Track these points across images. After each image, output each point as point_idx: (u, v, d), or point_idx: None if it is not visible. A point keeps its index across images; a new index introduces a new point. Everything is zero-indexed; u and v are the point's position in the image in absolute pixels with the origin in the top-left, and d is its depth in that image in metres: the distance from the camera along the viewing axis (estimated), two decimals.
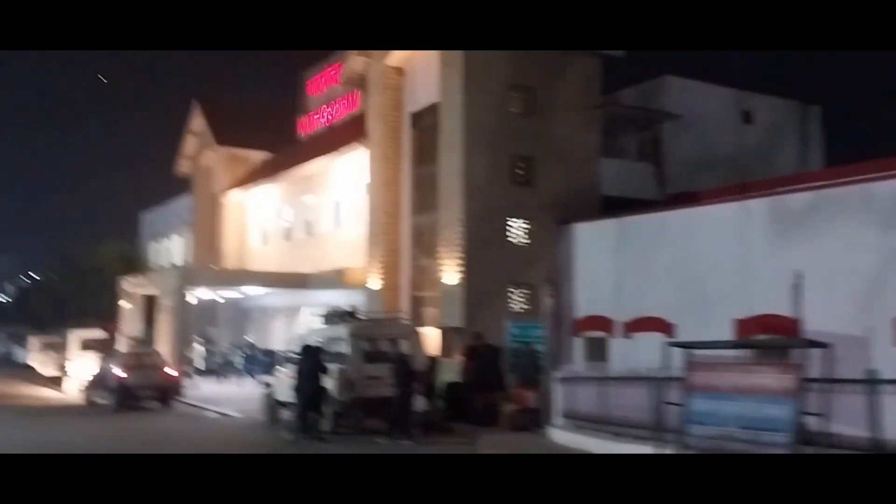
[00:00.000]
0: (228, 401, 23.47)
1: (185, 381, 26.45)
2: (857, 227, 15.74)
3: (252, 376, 28.40)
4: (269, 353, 30.48)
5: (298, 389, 16.28)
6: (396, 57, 25.40)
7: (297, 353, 17.12)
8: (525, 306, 22.17)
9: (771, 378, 8.80)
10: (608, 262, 21.32)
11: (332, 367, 16.70)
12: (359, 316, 19.50)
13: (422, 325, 21.94)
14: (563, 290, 21.73)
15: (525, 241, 22.66)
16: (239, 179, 37.51)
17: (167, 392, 23.13)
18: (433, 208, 23.57)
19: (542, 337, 16.81)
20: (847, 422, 9.37)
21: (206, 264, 36.60)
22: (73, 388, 27.41)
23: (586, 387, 14.45)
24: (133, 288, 32.86)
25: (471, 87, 22.17)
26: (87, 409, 23.55)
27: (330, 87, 32.78)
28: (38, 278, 66.45)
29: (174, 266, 39.09)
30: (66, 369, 29.38)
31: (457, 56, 22.14)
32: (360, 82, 28.31)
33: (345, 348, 17.33)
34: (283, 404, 18.58)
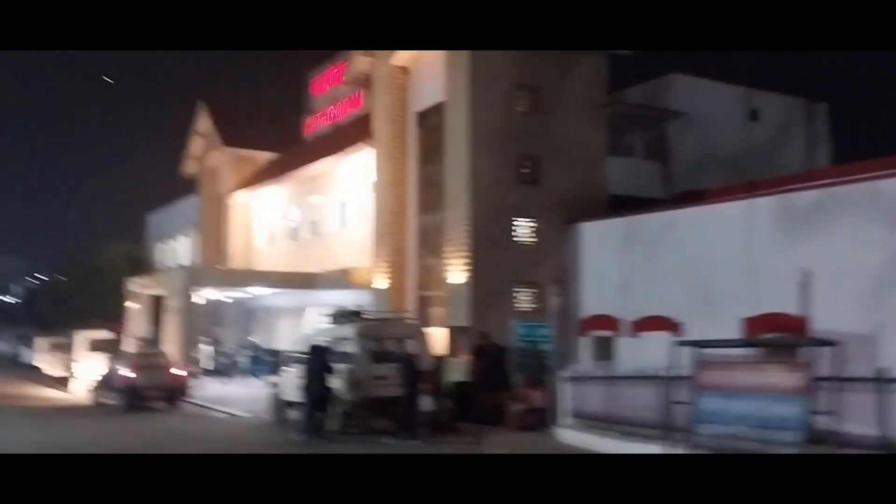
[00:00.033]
0: (235, 401, 23.49)
1: (193, 382, 26.49)
2: (865, 225, 15.67)
3: (256, 376, 28.46)
4: (275, 353, 30.56)
5: (305, 389, 16.28)
6: (402, 56, 25.39)
7: (304, 353, 17.12)
8: (531, 306, 22.14)
9: (780, 376, 8.76)
10: (615, 261, 21.27)
11: (339, 366, 16.70)
12: (365, 316, 19.51)
13: (428, 324, 21.91)
14: (569, 290, 21.69)
15: (531, 240, 22.63)
16: (245, 180, 37.57)
17: (174, 392, 23.16)
18: (439, 208, 23.55)
19: (549, 336, 16.77)
20: (856, 420, 9.32)
21: (213, 265, 36.66)
22: (81, 389, 27.47)
23: (594, 386, 14.42)
24: (140, 288, 32.91)
25: (477, 86, 22.14)
26: (94, 410, 23.60)
27: (334, 86, 32.79)
28: (44, 279, 66.64)
29: (181, 266, 39.14)
30: (73, 370, 29.44)
31: (463, 55, 22.11)
32: (365, 82, 28.32)
33: (352, 348, 17.33)
34: (290, 404, 18.59)
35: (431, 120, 24.68)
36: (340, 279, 27.30)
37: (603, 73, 23.85)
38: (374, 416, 17.22)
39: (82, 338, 29.72)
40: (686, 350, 10.44)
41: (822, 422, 8.58)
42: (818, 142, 29.93)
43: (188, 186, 42.45)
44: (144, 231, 53.63)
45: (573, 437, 14.28)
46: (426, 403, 16.54)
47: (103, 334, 30.42)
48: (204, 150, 39.41)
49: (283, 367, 19.83)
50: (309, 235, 32.88)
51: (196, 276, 30.62)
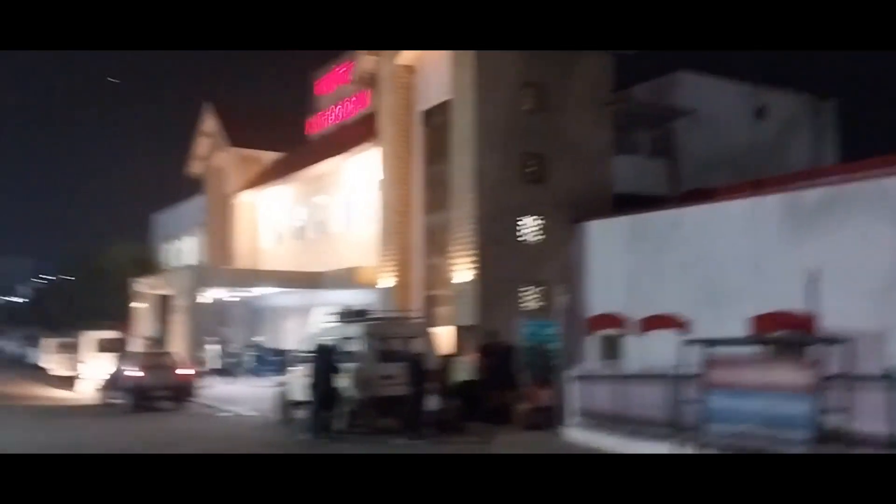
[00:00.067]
0: (241, 400, 23.51)
1: (199, 381, 26.52)
2: (873, 223, 15.59)
3: (259, 376, 28.50)
4: (280, 353, 30.59)
5: (312, 388, 16.26)
6: (407, 55, 25.36)
7: (311, 353, 17.11)
8: (538, 304, 22.10)
9: (790, 374, 8.71)
10: (622, 260, 21.21)
11: (346, 365, 16.69)
12: (372, 315, 19.49)
13: (434, 323, 21.88)
14: (576, 288, 21.63)
15: (538, 238, 22.59)
16: (251, 180, 37.62)
17: (182, 392, 23.16)
18: (445, 206, 23.52)
19: (556, 335, 16.72)
20: (865, 418, 9.27)
21: (219, 265, 36.73)
22: (88, 389, 27.51)
23: (601, 385, 14.37)
24: (146, 288, 32.98)
25: (482, 84, 22.10)
26: (102, 410, 23.62)
27: (339, 86, 32.79)
28: (51, 280, 66.82)
29: (187, 266, 39.20)
30: (80, 370, 29.49)
31: (468, 54, 22.07)
32: (370, 81, 28.31)
33: (358, 347, 17.31)
34: (296, 403, 18.59)
35: (437, 119, 24.66)
36: (346, 278, 27.31)
37: (609, 71, 23.79)
38: (380, 416, 17.21)
39: (89, 338, 29.78)
40: (694, 348, 10.40)
41: (831, 420, 8.53)
42: (825, 139, 29.83)
43: (194, 187, 42.53)
44: (150, 231, 53.75)
45: (581, 437, 14.24)
46: (432, 403, 16.51)
47: (110, 334, 30.48)
48: (210, 150, 39.47)
49: (290, 367, 19.83)
50: (315, 235, 32.90)
51: (202, 275, 30.67)
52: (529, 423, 16.17)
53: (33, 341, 45.02)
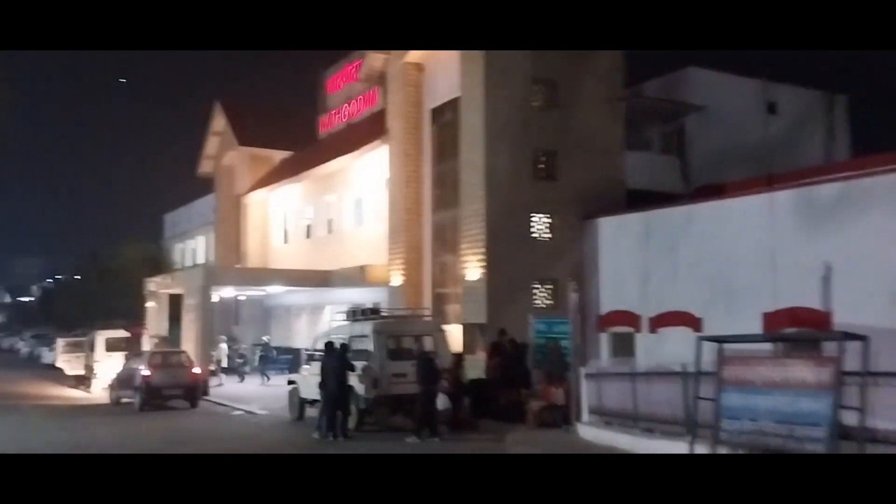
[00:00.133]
0: (253, 399, 23.57)
1: (211, 380, 26.59)
2: (887, 219, 15.45)
3: (265, 375, 28.56)
4: (289, 352, 30.65)
5: (324, 387, 16.25)
6: (416, 53, 25.31)
7: (322, 351, 17.11)
8: (549, 302, 22.03)
9: (807, 371, 8.62)
10: (633, 257, 21.12)
11: (357, 364, 16.68)
12: (383, 313, 19.48)
13: (445, 321, 21.84)
14: (587, 286, 21.57)
15: (548, 236, 22.51)
16: (261, 179, 37.68)
17: (193, 391, 23.23)
18: (455, 204, 23.47)
19: (568, 332, 16.66)
20: (883, 416, 9.18)
21: (230, 264, 36.81)
22: (100, 388, 27.63)
23: (614, 382, 14.29)
24: (158, 287, 33.06)
25: (492, 81, 22.02)
26: (113, 409, 23.72)
27: (349, 84, 32.79)
28: (62, 279, 67.12)
29: (199, 265, 39.31)
30: (93, 369, 29.62)
31: (477, 51, 21.99)
32: (379, 79, 28.29)
33: (369, 345, 17.30)
34: (309, 402, 18.60)
35: (446, 116, 24.60)
36: (356, 277, 27.29)
37: (619, 67, 23.67)
38: (392, 414, 17.20)
39: (102, 337, 29.91)
40: (708, 345, 10.33)
41: (849, 417, 8.45)
42: (837, 134, 29.61)
43: (205, 186, 42.65)
44: (162, 231, 53.95)
45: (593, 434, 14.18)
46: (442, 401, 16.48)
47: (122, 333, 30.62)
48: (220, 149, 39.57)
49: (303, 365, 19.85)
50: (325, 233, 32.92)
51: (213, 274, 30.72)
52: (542, 421, 16.11)
53: (47, 341, 45.26)
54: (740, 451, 9.25)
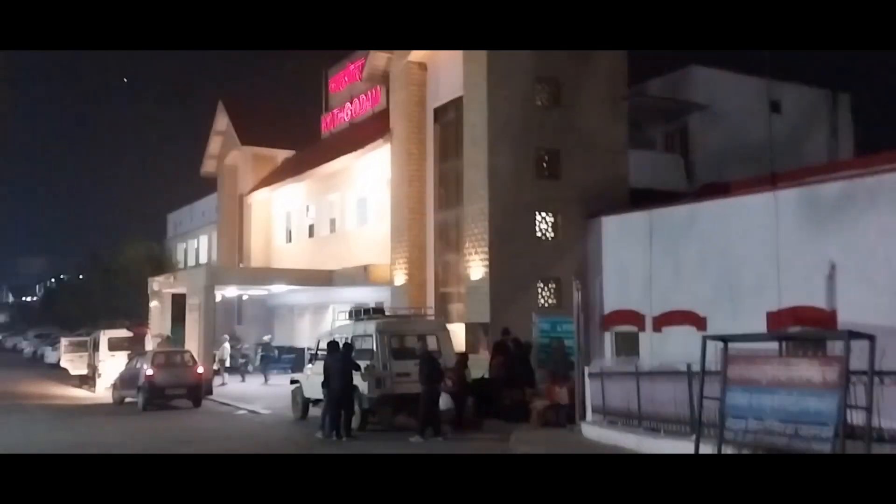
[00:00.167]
0: (256, 398, 23.57)
1: (214, 379, 26.61)
2: (891, 217, 15.41)
3: (266, 375, 28.57)
4: (292, 351, 30.65)
5: (328, 387, 16.24)
6: (419, 52, 25.29)
7: (326, 350, 17.10)
8: (552, 301, 22.01)
9: (813, 371, 8.58)
10: (637, 256, 21.08)
11: (361, 363, 16.67)
12: (386, 312, 19.47)
13: (448, 321, 21.84)
14: (591, 285, 21.54)
15: (552, 235, 22.48)
16: (264, 178, 37.70)
17: (197, 390, 23.24)
18: (458, 203, 23.46)
19: (572, 332, 16.63)
20: (890, 415, 9.14)
21: (233, 263, 36.84)
22: (104, 388, 27.65)
23: (618, 382, 14.26)
24: (161, 287, 33.10)
25: (495, 80, 21.99)
26: (117, 409, 23.74)
27: (352, 83, 32.79)
28: (66, 279, 67.19)
29: (201, 264, 39.33)
30: (96, 369, 29.66)
31: (480, 50, 21.96)
32: (382, 78, 28.28)
33: (373, 345, 17.29)
34: (313, 401, 18.59)
35: (449, 115, 24.60)
36: (360, 276, 27.29)
37: (622, 66, 23.64)
38: (396, 414, 17.18)
39: (105, 337, 29.94)
40: (714, 344, 10.30)
41: (855, 417, 8.42)
42: (841, 133, 29.56)
43: (208, 185, 42.68)
44: (165, 230, 53.99)
45: (598, 434, 14.14)
46: (446, 400, 16.44)
47: (126, 333, 30.64)
48: (223, 148, 39.60)
49: (307, 365, 19.84)
50: (327, 233, 32.92)
51: (216, 274, 30.74)
52: (546, 421, 16.07)
53: (50, 341, 45.31)
54: (745, 451, 9.21)
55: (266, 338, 32.64)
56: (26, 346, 56.46)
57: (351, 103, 33.02)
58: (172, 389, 22.97)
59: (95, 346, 30.10)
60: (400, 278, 25.55)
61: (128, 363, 25.40)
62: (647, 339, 20.65)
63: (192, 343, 27.89)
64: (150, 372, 22.76)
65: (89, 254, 53.33)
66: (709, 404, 10.20)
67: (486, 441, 15.39)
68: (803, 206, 17.22)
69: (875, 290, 15.23)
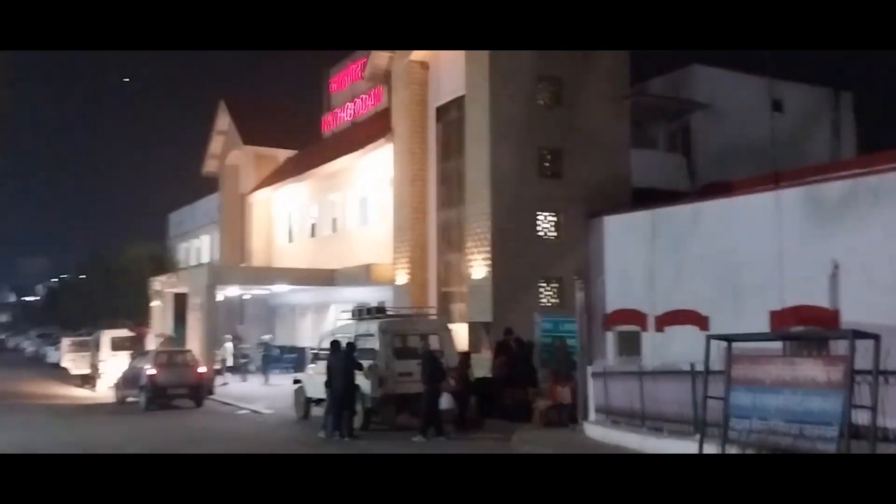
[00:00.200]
0: (258, 398, 23.56)
1: (216, 379, 26.60)
2: (894, 216, 15.37)
3: (266, 374, 28.54)
4: (293, 350, 30.62)
5: (330, 386, 16.22)
6: (420, 52, 25.25)
7: (328, 350, 17.08)
8: (555, 300, 21.98)
9: (817, 370, 8.56)
10: (640, 255, 21.05)
11: (363, 363, 16.65)
12: (388, 312, 19.45)
13: (450, 320, 21.82)
14: (593, 284, 21.50)
15: (554, 234, 22.45)
16: (265, 178, 37.68)
17: (199, 390, 23.23)
18: (460, 203, 23.43)
19: (575, 331, 16.60)
20: (895, 415, 9.12)
21: (234, 263, 36.83)
22: (106, 388, 27.66)
23: (622, 381, 14.23)
24: (163, 287, 33.10)
25: (497, 79, 21.96)
26: (119, 408, 23.73)
27: (353, 83, 32.76)
28: (67, 278, 67.18)
29: (203, 264, 39.33)
30: (98, 369, 29.67)
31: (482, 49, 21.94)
32: (384, 78, 28.25)
33: (375, 344, 17.27)
34: (315, 401, 18.58)
35: (451, 114, 24.57)
36: (362, 276, 27.28)
37: (624, 65, 23.60)
38: (398, 413, 17.16)
39: (107, 336, 29.95)
40: (715, 344, 10.28)
41: (859, 416, 8.39)
42: (843, 132, 29.50)
43: (209, 185, 42.68)
44: (166, 230, 53.98)
45: (601, 434, 14.12)
46: (448, 400, 16.40)
47: (128, 333, 30.66)
48: (224, 148, 39.59)
49: (309, 364, 19.83)
50: (329, 232, 32.92)
51: (218, 273, 30.74)
52: (548, 421, 16.06)
53: (52, 340, 45.32)
54: (750, 451, 9.19)
55: (266, 337, 32.61)
56: (28, 346, 56.51)
57: (352, 102, 32.99)
58: (174, 389, 22.96)
59: (97, 346, 30.10)
60: (402, 278, 25.53)
61: (130, 363, 25.39)
62: (649, 339, 20.62)
63: (194, 343, 27.88)
64: (152, 372, 22.75)
65: (91, 254, 53.36)
66: (712, 404, 10.18)
67: (489, 441, 15.38)
68: (806, 206, 17.19)
69: (878, 289, 15.19)
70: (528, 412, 16.63)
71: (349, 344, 16.77)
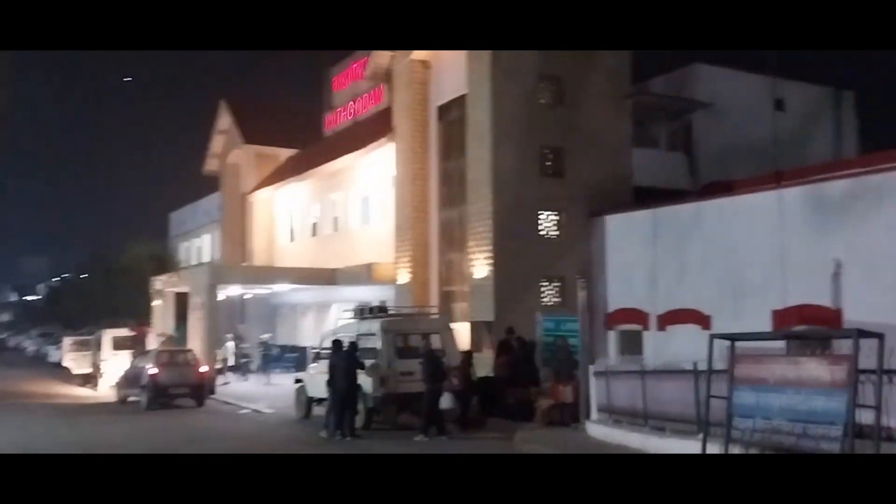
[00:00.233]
0: (259, 397, 23.54)
1: (218, 378, 26.59)
2: None
3: (266, 373, 28.52)
4: (294, 350, 30.59)
5: (331, 385, 16.20)
6: (422, 51, 25.22)
7: (329, 349, 17.06)
8: (556, 299, 21.96)
9: (821, 370, 8.54)
10: (641, 254, 21.04)
11: (365, 362, 16.64)
12: (390, 311, 19.43)
13: (452, 319, 21.79)
14: (595, 283, 21.48)
15: (556, 233, 22.43)
16: (266, 177, 37.66)
17: (200, 389, 23.22)
18: (461, 202, 23.41)
19: (577, 330, 16.58)
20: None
21: (236, 262, 36.82)
22: (107, 387, 27.66)
23: (624, 380, 14.21)
24: (164, 286, 33.09)
25: (498, 78, 21.94)
26: (121, 408, 23.73)
27: (355, 82, 32.74)
28: (68, 277, 67.17)
29: (204, 263, 39.34)
30: (100, 368, 29.67)
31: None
32: (385, 77, 28.22)
33: (377, 344, 17.26)
34: (315, 400, 18.57)
35: (453, 113, 24.54)
36: (363, 275, 27.26)
37: (626, 64, 23.58)
38: (400, 413, 17.15)
39: (108, 336, 29.95)
40: (718, 343, 10.25)
41: (864, 416, 8.37)
42: (845, 131, 29.49)
43: (210, 184, 42.66)
44: (167, 229, 53.98)
45: (603, 433, 14.10)
46: (449, 399, 16.36)
47: (129, 332, 30.66)
48: (225, 147, 39.57)
49: (310, 364, 19.81)
50: (331, 231, 32.90)
51: (219, 273, 30.74)
52: (550, 420, 16.04)
53: (53, 340, 45.34)
54: (753, 451, 9.17)
55: (265, 336, 32.58)
56: (29, 345, 56.52)
57: (354, 101, 32.97)
58: (176, 389, 22.95)
59: (98, 346, 30.10)
60: (403, 277, 25.51)
61: (132, 362, 25.39)
62: (651, 338, 20.61)
63: (195, 342, 27.87)
64: (153, 371, 22.74)
65: (93, 253, 53.35)
66: (715, 403, 10.16)
67: (491, 440, 15.36)
68: (808, 205, 17.17)
69: (881, 288, 15.17)
70: (530, 411, 16.61)
71: (351, 343, 16.76)
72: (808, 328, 16.04)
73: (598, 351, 20.45)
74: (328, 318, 30.77)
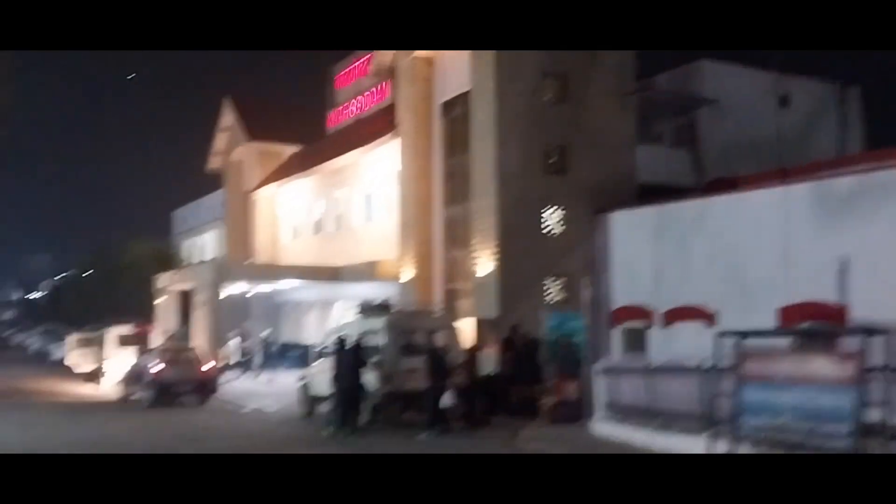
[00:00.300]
0: (263, 395, 23.52)
1: (222, 376, 26.57)
2: None
3: (268, 371, 28.49)
4: (297, 347, 30.55)
5: (335, 383, 16.16)
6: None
7: (333, 347, 17.03)
8: (561, 297, 21.90)
9: (829, 367, 8.49)
10: (646, 251, 20.96)
11: (369, 359, 16.60)
12: (394, 308, 19.39)
13: (456, 317, 21.75)
14: (599, 280, 21.42)
15: (560, 230, 22.36)
16: (270, 174, 37.64)
17: (204, 387, 23.19)
18: (466, 199, 23.36)
19: (581, 328, 16.53)
20: None
21: (239, 259, 36.82)
22: (111, 385, 27.65)
23: (628, 378, 14.16)
24: (168, 283, 33.09)
25: (502, 75, 21.87)
26: (124, 405, 23.71)
27: (358, 79, 32.70)
28: (71, 275, 67.25)
29: (208, 261, 39.34)
30: (103, 366, 29.66)
31: None
32: (389, 74, 28.17)
33: (381, 341, 17.22)
34: (320, 398, 18.53)
35: (457, 110, 24.48)
36: (367, 272, 27.24)
37: (630, 60, 23.46)
38: (404, 410, 17.11)
39: (112, 334, 29.94)
40: (725, 340, 10.19)
41: (872, 414, 8.31)
42: (850, 127, 29.35)
43: (214, 182, 42.66)
44: (171, 227, 54.03)
45: (608, 431, 14.06)
46: (451, 397, 16.32)
47: (132, 330, 30.64)
48: (229, 144, 39.57)
49: (314, 362, 19.78)
50: (334, 229, 32.86)
51: (223, 270, 30.73)
52: (556, 417, 16.00)
53: (56, 337, 45.34)
54: (760, 448, 9.13)
55: (265, 333, 32.52)
56: (32, 343, 56.55)
57: (358, 98, 32.93)
58: (179, 386, 22.92)
59: (102, 343, 30.08)
60: (407, 274, 25.47)
61: (136, 360, 25.37)
62: (656, 335, 20.54)
63: (199, 339, 27.86)
64: (157, 369, 22.72)
65: (96, 251, 53.39)
66: (723, 401, 10.11)
67: (495, 438, 15.31)
68: (813, 201, 17.09)
69: (887, 285, 15.08)
70: (534, 409, 16.57)
71: (352, 340, 16.72)
72: (814, 325, 15.97)
73: (603, 348, 20.40)
74: (332, 316, 30.74)
